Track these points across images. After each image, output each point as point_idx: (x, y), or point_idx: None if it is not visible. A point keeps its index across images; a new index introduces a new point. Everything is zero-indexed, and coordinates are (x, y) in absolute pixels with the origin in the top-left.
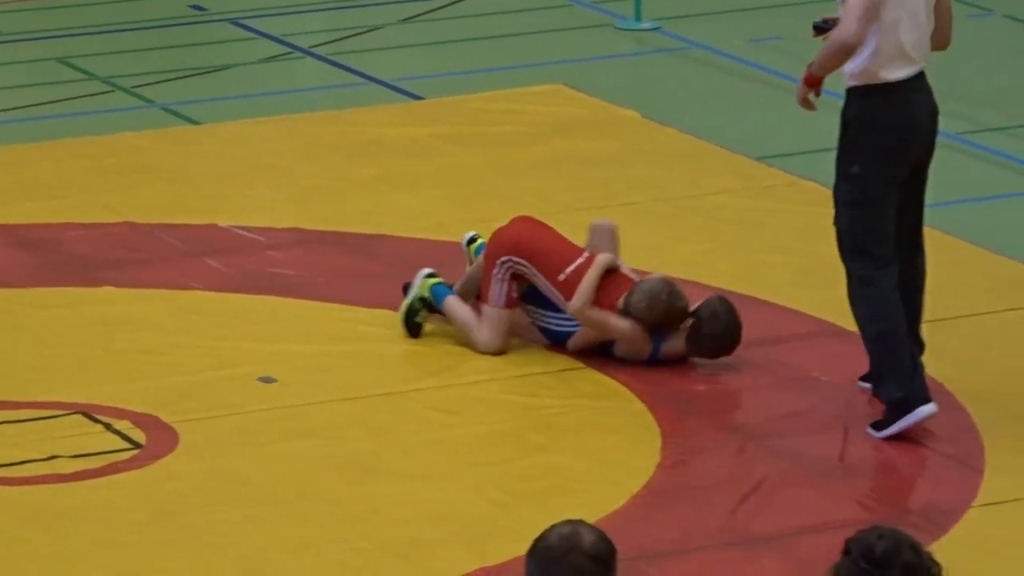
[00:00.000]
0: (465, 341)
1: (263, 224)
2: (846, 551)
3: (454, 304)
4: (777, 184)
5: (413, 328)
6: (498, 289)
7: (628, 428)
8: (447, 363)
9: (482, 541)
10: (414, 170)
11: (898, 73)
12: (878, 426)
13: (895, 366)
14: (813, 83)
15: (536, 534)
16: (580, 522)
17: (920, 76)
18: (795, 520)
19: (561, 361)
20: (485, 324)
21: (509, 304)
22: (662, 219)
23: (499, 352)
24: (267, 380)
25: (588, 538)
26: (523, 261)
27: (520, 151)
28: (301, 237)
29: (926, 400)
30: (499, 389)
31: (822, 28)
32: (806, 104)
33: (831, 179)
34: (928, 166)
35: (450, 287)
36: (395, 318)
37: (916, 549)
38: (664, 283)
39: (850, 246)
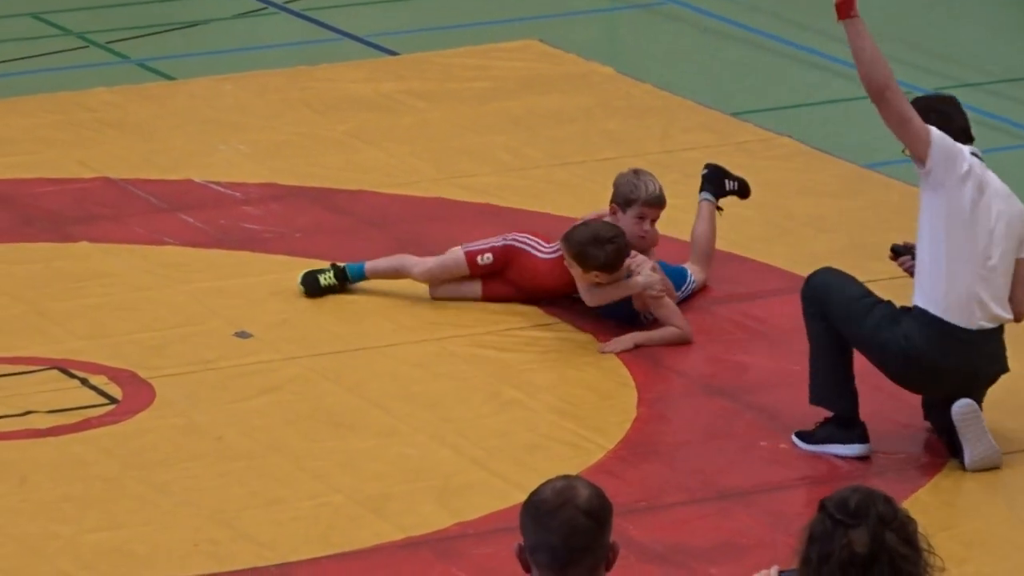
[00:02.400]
0: (401, 274)
1: (237, 179)
2: (820, 508)
3: (375, 262)
4: (751, 140)
5: (311, 286)
6: (477, 244)
7: (603, 383)
8: (422, 319)
9: (457, 497)
10: (386, 126)
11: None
12: (807, 437)
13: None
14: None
15: (512, 490)
16: (576, 477)
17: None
18: (770, 476)
19: (536, 316)
20: (441, 256)
21: (469, 256)
22: None
23: (430, 276)
24: (243, 335)
25: (583, 493)
26: (523, 235)
27: (493, 107)
28: (275, 192)
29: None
30: (474, 344)
31: (901, 251)
32: None
33: (804, 134)
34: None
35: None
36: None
37: (890, 502)
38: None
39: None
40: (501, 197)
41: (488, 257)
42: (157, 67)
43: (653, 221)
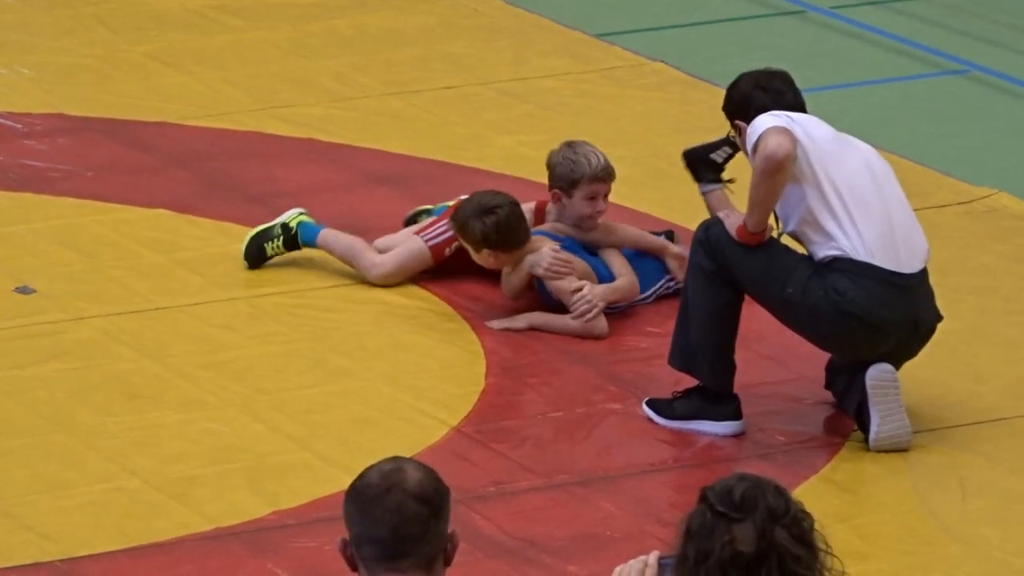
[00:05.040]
0: (354, 266)
1: (19, 109)
2: (701, 498)
3: (331, 234)
4: (618, 66)
5: (255, 255)
6: (438, 231)
7: (446, 349)
8: (235, 274)
9: (272, 481)
10: (194, 47)
11: None
12: (664, 410)
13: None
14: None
15: (337, 473)
16: (406, 459)
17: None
18: (639, 456)
19: None
20: (399, 249)
21: (435, 250)
22: (483, 105)
23: (390, 280)
24: (24, 291)
25: (414, 476)
26: None
27: (319, 26)
28: (64, 124)
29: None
30: (296, 304)
31: None
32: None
33: (680, 59)
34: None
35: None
36: (174, 220)
37: (781, 493)
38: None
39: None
40: (327, 131)
41: (455, 246)
42: None
43: (605, 196)
